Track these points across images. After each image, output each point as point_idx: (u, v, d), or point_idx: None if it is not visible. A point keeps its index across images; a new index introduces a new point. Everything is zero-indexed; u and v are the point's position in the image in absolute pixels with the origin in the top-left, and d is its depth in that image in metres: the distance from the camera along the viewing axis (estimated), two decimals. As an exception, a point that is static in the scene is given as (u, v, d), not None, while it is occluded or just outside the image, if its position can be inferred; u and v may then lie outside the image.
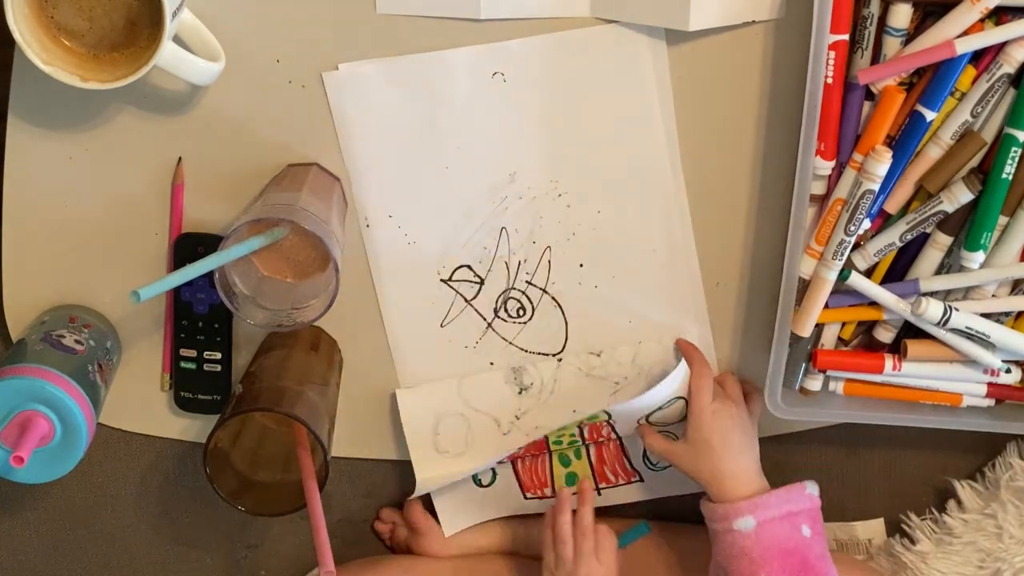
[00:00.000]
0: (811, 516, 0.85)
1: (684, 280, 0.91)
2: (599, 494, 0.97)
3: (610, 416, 0.91)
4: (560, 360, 0.92)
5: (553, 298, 0.91)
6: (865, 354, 0.90)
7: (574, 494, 0.91)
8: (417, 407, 0.92)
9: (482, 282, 0.90)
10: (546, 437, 0.92)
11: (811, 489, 0.86)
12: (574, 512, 0.90)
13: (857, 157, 0.83)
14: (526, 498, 0.97)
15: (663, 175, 0.87)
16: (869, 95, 0.83)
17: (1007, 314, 0.88)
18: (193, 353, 0.90)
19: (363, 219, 0.87)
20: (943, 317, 0.84)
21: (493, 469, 0.95)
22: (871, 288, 0.86)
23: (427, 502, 0.98)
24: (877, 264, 0.88)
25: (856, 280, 0.86)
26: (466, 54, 0.82)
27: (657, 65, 0.83)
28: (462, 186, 0.86)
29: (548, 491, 0.96)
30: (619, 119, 0.85)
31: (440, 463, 0.93)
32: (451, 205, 0.87)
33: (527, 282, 0.90)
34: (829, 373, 0.91)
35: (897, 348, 0.90)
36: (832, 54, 0.79)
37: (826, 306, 0.87)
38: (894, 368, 0.89)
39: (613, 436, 0.94)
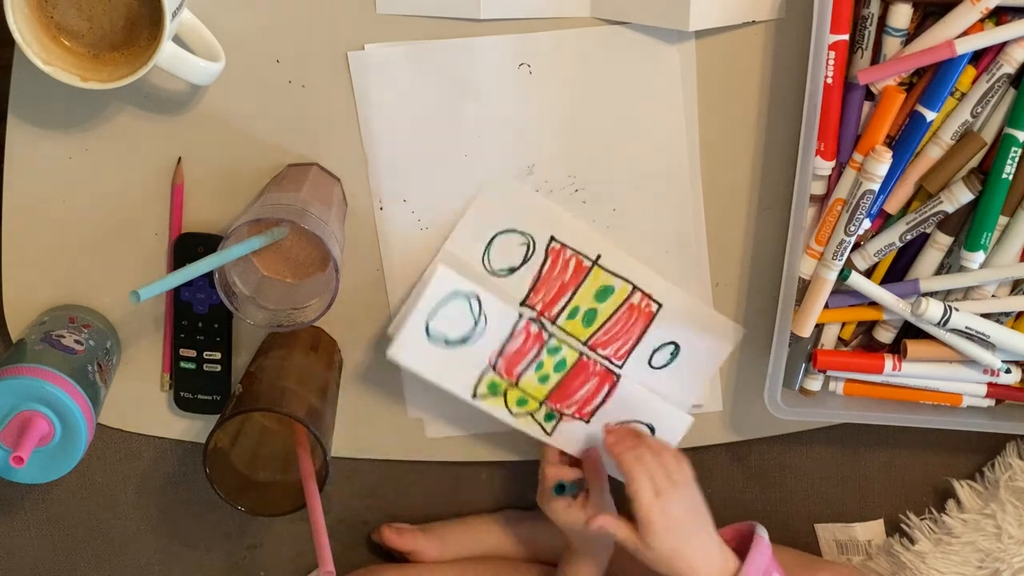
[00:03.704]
0: (774, 562, 0.84)
1: (694, 283, 0.91)
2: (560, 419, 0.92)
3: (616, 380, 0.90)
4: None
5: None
6: (865, 354, 0.90)
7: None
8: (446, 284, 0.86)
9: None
10: (543, 331, 0.89)
11: (761, 532, 0.85)
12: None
13: (857, 157, 0.83)
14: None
15: (681, 178, 0.87)
16: (869, 95, 0.83)
17: (1007, 314, 0.88)
18: (193, 353, 0.90)
19: (377, 201, 0.87)
20: (943, 317, 0.84)
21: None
22: (871, 288, 0.86)
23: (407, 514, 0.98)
24: (877, 264, 0.88)
25: (856, 280, 0.86)
26: (494, 43, 0.82)
27: (684, 67, 0.83)
28: (480, 175, 0.86)
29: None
30: (642, 119, 0.85)
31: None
32: (467, 193, 0.87)
33: (536, 275, 0.91)
34: (829, 373, 0.92)
35: (897, 348, 0.90)
36: (832, 54, 0.79)
37: (826, 306, 0.87)
38: (894, 368, 0.89)
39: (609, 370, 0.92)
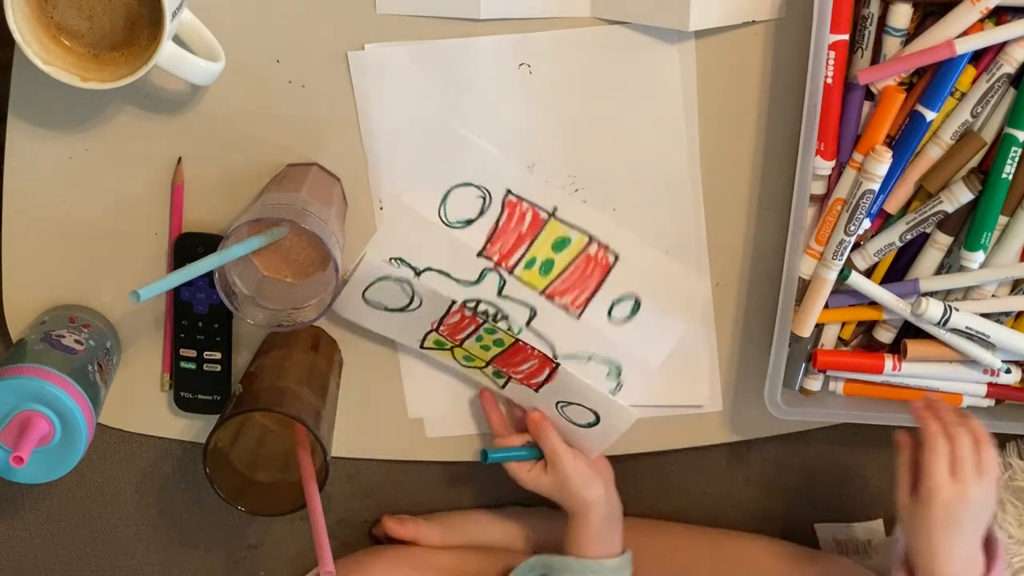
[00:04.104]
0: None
1: (694, 282, 0.91)
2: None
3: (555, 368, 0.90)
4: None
5: (561, 294, 0.91)
6: (865, 354, 0.90)
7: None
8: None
9: None
10: (478, 319, 0.89)
11: (1000, 535, 0.82)
12: None
13: (857, 157, 0.83)
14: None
15: (682, 178, 0.87)
16: (869, 95, 0.83)
17: (1007, 314, 0.88)
18: (193, 353, 0.90)
19: (377, 201, 0.87)
20: (943, 317, 0.84)
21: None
22: (871, 288, 0.86)
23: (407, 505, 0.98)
24: (877, 264, 0.88)
25: (856, 280, 0.86)
26: (494, 43, 0.82)
27: (684, 67, 0.83)
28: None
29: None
30: (642, 119, 0.85)
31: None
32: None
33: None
34: (829, 373, 0.91)
35: (897, 348, 0.90)
36: (832, 54, 0.79)
37: (826, 306, 0.87)
38: (894, 368, 0.89)
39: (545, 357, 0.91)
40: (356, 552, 0.98)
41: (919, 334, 0.88)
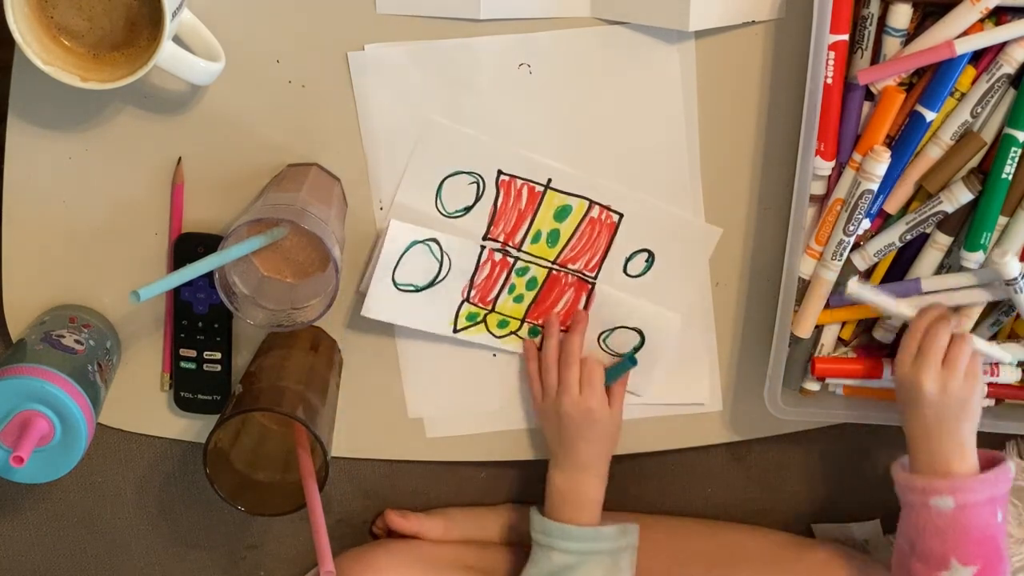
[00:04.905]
0: (1005, 500, 0.83)
1: (694, 281, 0.91)
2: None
3: (591, 288, 0.91)
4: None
5: (561, 294, 0.92)
6: (864, 360, 0.90)
7: (563, 330, 0.92)
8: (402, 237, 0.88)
9: None
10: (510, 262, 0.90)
11: (1013, 469, 0.84)
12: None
13: (856, 157, 0.83)
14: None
15: (681, 178, 0.87)
16: (869, 95, 0.83)
17: (1007, 314, 0.88)
18: (193, 353, 0.90)
19: (377, 201, 0.87)
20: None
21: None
22: (871, 297, 0.85)
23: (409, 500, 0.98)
24: (877, 264, 0.88)
25: (854, 290, 0.84)
26: (494, 43, 0.82)
27: (684, 67, 0.83)
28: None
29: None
30: (642, 119, 0.85)
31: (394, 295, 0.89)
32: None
33: (535, 276, 0.91)
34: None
35: (897, 349, 0.90)
36: (832, 54, 0.79)
37: (826, 306, 0.87)
38: (893, 372, 0.89)
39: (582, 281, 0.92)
40: (360, 546, 0.99)
41: (919, 334, 0.88)
